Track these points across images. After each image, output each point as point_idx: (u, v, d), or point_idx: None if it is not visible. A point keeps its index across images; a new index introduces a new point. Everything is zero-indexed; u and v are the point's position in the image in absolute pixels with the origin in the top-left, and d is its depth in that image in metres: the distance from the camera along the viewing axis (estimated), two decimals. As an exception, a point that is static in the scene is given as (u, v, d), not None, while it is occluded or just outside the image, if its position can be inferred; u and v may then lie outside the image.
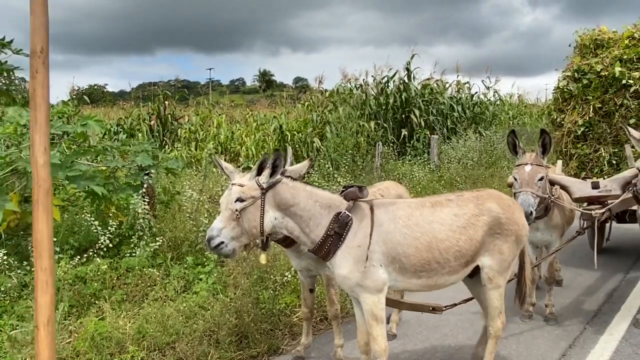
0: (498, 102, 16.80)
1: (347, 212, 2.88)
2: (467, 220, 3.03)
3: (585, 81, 5.99)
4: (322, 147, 11.97)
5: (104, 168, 5.61)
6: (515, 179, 4.04)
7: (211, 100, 20.61)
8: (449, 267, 3.00)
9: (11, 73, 5.88)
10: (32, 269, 4.36)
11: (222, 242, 2.83)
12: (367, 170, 10.31)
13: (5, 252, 4.34)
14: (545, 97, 22.66)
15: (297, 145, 11.37)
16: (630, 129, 4.03)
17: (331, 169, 9.20)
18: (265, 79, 70.95)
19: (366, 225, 2.89)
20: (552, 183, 4.32)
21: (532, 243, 4.53)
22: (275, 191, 2.89)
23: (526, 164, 4.01)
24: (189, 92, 16.37)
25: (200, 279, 4.93)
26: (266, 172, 2.86)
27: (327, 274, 3.48)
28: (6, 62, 5.69)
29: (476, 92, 16.29)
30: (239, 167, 10.69)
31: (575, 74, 6.07)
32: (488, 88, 16.66)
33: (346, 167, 9.74)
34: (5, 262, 4.29)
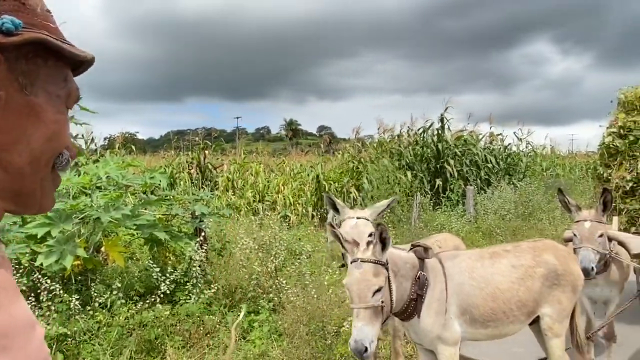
0: (531, 154, 16.84)
1: (423, 273, 2.91)
2: (525, 272, 3.13)
3: (631, 137, 6.08)
4: (358, 197, 12.12)
5: (161, 216, 5.85)
6: (575, 235, 4.09)
7: (239, 148, 21.01)
8: (513, 317, 3.09)
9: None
10: (95, 313, 4.56)
11: (373, 345, 2.61)
12: (405, 221, 10.37)
13: (76, 297, 4.51)
14: (572, 148, 22.85)
15: (335, 195, 11.51)
16: None
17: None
18: (292, 127, 72.31)
19: (440, 280, 2.97)
20: (610, 239, 4.35)
21: (591, 298, 4.51)
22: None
23: (585, 220, 4.07)
24: (216, 139, 16.79)
25: (253, 327, 5.02)
26: (377, 247, 2.69)
27: (395, 325, 3.53)
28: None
29: (509, 144, 16.40)
30: (279, 214, 10.89)
31: (621, 131, 6.16)
32: (520, 139, 16.77)
33: (384, 217, 9.82)
34: (76, 307, 4.46)
